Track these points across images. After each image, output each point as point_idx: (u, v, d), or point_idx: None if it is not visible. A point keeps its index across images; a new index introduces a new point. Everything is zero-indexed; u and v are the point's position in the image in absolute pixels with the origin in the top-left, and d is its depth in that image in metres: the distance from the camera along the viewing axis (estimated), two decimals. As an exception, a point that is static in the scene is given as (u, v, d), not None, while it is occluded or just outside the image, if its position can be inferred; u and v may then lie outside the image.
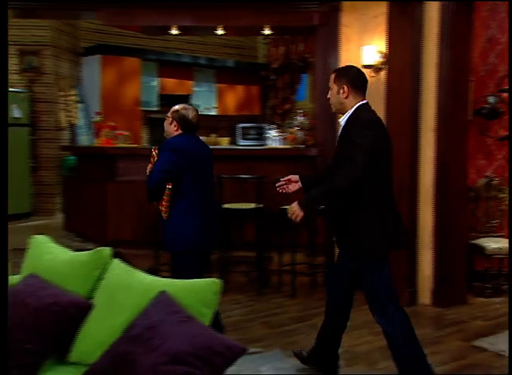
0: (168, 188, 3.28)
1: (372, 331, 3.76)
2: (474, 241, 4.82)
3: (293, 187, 3.07)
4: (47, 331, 2.23)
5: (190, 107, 3.47)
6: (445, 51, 4.36)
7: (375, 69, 4.76)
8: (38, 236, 2.78)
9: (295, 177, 3.07)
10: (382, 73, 4.71)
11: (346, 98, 2.88)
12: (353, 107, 2.88)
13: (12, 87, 7.69)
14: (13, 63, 7.84)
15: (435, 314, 4.33)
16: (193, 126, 3.43)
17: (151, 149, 3.45)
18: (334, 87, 2.91)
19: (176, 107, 3.44)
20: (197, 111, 3.46)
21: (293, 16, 5.33)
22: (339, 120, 3.00)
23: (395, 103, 4.57)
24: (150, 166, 3.37)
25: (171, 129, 3.41)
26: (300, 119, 5.98)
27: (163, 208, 3.31)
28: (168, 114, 3.43)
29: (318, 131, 5.53)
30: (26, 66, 7.85)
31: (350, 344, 3.58)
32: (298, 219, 2.81)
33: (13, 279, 2.59)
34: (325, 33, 5.20)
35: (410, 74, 4.45)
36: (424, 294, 4.52)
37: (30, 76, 7.86)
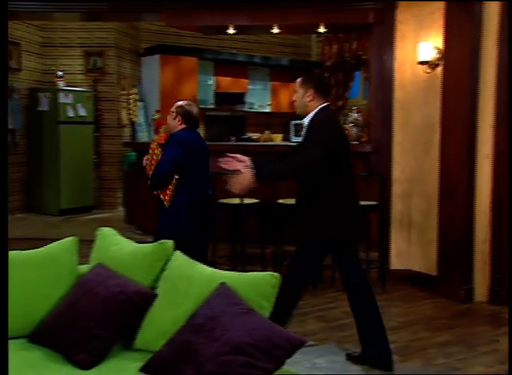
0: (176, 178, 3.52)
1: (429, 327, 3.78)
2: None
3: (239, 166, 3.07)
4: (114, 319, 2.34)
5: (193, 103, 3.72)
6: (505, 47, 4.29)
7: (431, 65, 4.73)
8: (105, 228, 2.87)
9: (243, 158, 3.09)
10: (438, 69, 4.68)
11: (311, 101, 3.16)
12: (315, 109, 3.15)
13: (77, 86, 8.06)
14: (78, 64, 8.21)
15: (492, 312, 4.29)
16: (196, 121, 3.67)
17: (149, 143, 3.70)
18: (300, 91, 3.19)
19: (180, 103, 3.66)
20: (199, 107, 3.74)
21: (349, 14, 5.36)
22: (303, 120, 3.23)
23: (451, 99, 4.53)
24: (147, 157, 3.60)
25: (175, 123, 3.63)
26: (354, 115, 5.99)
27: (167, 197, 3.56)
28: (173, 109, 3.64)
29: (372, 128, 5.54)
30: (91, 66, 8.20)
31: (406, 340, 3.61)
32: (240, 188, 3.02)
33: (82, 268, 2.73)
34: (381, 31, 5.20)
35: (468, 70, 4.40)
36: (481, 292, 4.47)
37: (94, 76, 8.21)
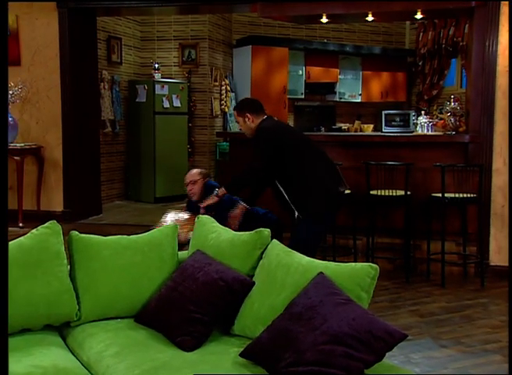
0: None
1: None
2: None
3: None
4: (213, 303, 2.41)
5: None
6: None
7: (540, 50, 4.45)
8: (203, 216, 2.95)
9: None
10: (548, 55, 4.40)
11: (253, 122, 3.80)
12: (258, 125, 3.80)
13: (172, 78, 8.32)
14: (174, 56, 8.46)
15: None
16: None
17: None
18: (240, 120, 3.84)
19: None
20: None
21: (449, -2, 5.14)
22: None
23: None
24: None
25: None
26: (452, 104, 5.74)
27: None
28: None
29: (471, 117, 5.30)
30: (185, 58, 8.43)
31: (509, 339, 3.45)
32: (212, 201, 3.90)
33: (182, 254, 2.84)
34: (483, 14, 4.95)
35: None
36: None
37: (188, 68, 8.43)
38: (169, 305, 2.48)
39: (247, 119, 3.79)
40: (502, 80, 4.87)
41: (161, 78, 8.09)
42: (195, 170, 4.31)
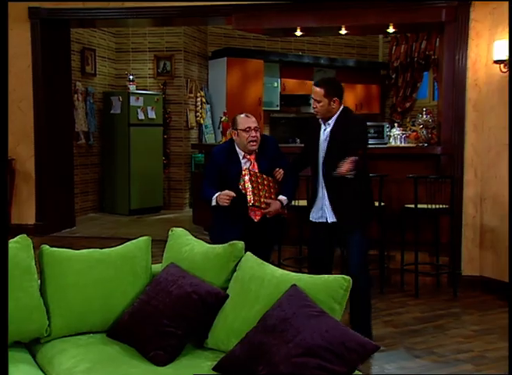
0: None
1: (505, 336, 3.64)
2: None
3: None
4: (187, 317, 2.39)
5: None
6: None
7: (507, 64, 4.55)
8: (177, 229, 2.92)
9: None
10: (516, 69, 4.50)
11: (336, 108, 3.53)
12: (338, 111, 3.55)
13: (147, 90, 8.29)
14: (149, 68, 8.45)
15: None
16: None
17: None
18: (325, 100, 3.49)
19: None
20: None
21: (420, 13, 5.23)
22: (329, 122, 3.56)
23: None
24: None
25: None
26: (424, 117, 5.84)
27: None
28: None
29: (442, 129, 5.39)
30: (160, 70, 8.42)
31: (481, 349, 3.49)
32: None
33: (155, 268, 2.81)
34: (453, 29, 5.06)
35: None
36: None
37: (163, 80, 8.42)
38: (142, 319, 2.46)
39: (332, 103, 3.50)
40: (472, 94, 4.96)
41: (136, 90, 8.06)
42: (250, 115, 3.68)
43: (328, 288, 2.23)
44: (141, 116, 8.00)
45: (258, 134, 3.56)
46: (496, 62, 4.60)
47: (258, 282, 2.39)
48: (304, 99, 9.81)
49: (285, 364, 1.96)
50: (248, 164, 3.59)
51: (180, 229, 2.95)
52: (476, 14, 4.88)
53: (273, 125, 9.67)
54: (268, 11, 5.56)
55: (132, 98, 7.91)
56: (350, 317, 3.49)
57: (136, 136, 8.01)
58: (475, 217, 4.97)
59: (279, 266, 4.40)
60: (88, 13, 6.09)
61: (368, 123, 8.69)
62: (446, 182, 4.80)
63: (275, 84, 9.49)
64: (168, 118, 8.45)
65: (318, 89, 3.50)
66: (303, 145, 3.96)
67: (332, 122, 3.54)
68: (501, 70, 4.62)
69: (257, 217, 3.56)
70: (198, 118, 8.75)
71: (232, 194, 3.45)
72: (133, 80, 8.02)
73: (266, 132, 9.52)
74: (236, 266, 2.57)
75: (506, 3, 4.57)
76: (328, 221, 3.55)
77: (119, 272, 2.65)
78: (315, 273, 3.34)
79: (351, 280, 2.22)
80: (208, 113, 8.95)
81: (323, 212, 3.56)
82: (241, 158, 3.61)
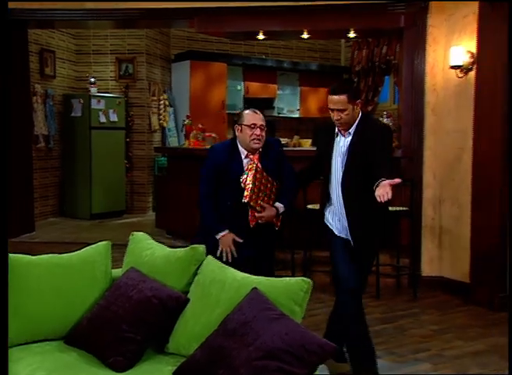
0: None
1: (462, 335, 3.73)
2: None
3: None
4: (147, 322, 2.37)
5: None
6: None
7: (464, 69, 4.67)
8: (138, 233, 2.90)
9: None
10: (471, 74, 4.62)
11: (358, 111, 3.09)
12: (358, 116, 3.10)
13: (109, 92, 8.19)
14: (111, 70, 8.35)
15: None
16: None
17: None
18: (349, 107, 3.03)
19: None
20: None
21: (380, 19, 5.33)
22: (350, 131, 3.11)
23: (485, 104, 4.47)
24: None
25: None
26: (385, 120, 5.94)
27: None
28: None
29: (402, 132, 5.49)
30: (122, 72, 8.33)
31: (439, 348, 3.56)
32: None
33: (115, 272, 2.77)
34: (412, 35, 5.16)
35: (503, 75, 4.33)
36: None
37: (125, 83, 8.33)
38: (101, 325, 2.42)
39: (356, 107, 3.05)
40: (430, 97, 5.07)
41: (98, 92, 7.95)
42: (259, 112, 3.38)
43: (289, 291, 2.24)
44: (103, 119, 7.90)
45: (264, 134, 3.27)
46: (453, 67, 4.71)
47: (219, 286, 2.38)
48: (268, 102, 9.87)
49: (245, 367, 1.96)
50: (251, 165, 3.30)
51: (141, 233, 2.92)
52: (433, 20, 4.99)
53: (237, 128, 9.68)
54: (230, 14, 5.57)
55: (93, 101, 7.80)
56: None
57: (97, 139, 7.90)
58: (434, 219, 5.07)
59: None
60: (46, 14, 5.98)
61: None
62: (406, 185, 4.88)
63: (239, 87, 9.51)
64: (131, 121, 8.37)
65: (339, 97, 3.03)
66: (315, 154, 3.48)
67: (352, 131, 3.10)
68: (457, 76, 4.73)
69: (252, 222, 3.28)
70: (161, 121, 8.69)
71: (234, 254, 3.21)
72: (94, 83, 7.91)
73: (230, 135, 9.51)
74: (198, 269, 2.55)
75: (461, 10, 4.70)
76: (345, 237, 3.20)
77: (77, 277, 2.61)
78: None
79: (311, 282, 2.24)
80: (172, 116, 8.90)
81: (346, 231, 3.18)
82: (243, 157, 3.30)
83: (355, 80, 9.83)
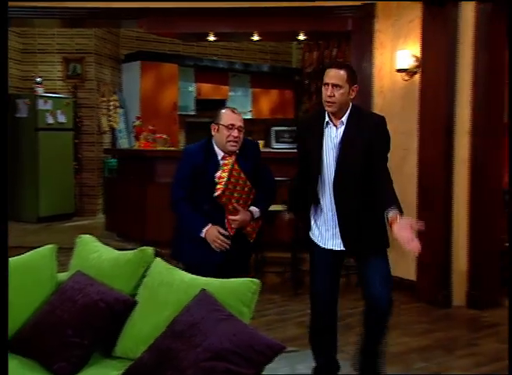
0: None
1: (409, 332, 3.81)
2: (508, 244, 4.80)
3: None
4: (93, 326, 2.34)
5: None
6: (480, 53, 4.39)
7: (409, 73, 4.80)
8: (85, 235, 2.85)
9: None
10: (416, 77, 4.75)
11: (353, 97, 2.80)
12: (349, 105, 2.81)
13: (56, 93, 8.00)
14: (58, 70, 8.16)
15: (470, 316, 4.35)
16: None
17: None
18: (345, 89, 2.73)
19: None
20: None
21: (328, 22, 5.41)
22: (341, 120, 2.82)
23: (429, 106, 4.61)
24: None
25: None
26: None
27: None
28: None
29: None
30: (71, 73, 8.16)
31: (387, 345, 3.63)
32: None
33: (62, 276, 2.71)
34: (359, 39, 5.27)
35: (445, 77, 4.48)
36: (459, 296, 4.53)
37: (73, 83, 8.16)
38: (46, 330, 2.37)
39: (352, 91, 2.75)
40: (378, 100, 5.18)
41: (45, 93, 7.76)
42: (237, 112, 3.21)
43: (237, 292, 2.25)
44: (50, 120, 7.72)
45: (241, 136, 3.09)
46: (399, 70, 4.83)
47: (167, 287, 2.37)
48: (220, 104, 9.84)
49: (193, 369, 1.96)
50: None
51: (88, 236, 2.88)
52: (380, 25, 5.10)
53: (189, 129, 9.63)
54: (179, 15, 5.53)
55: (40, 102, 7.61)
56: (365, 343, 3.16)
57: (44, 140, 7.71)
58: (382, 218, 5.17)
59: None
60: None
61: (283, 128, 8.89)
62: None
63: (190, 89, 9.47)
64: (80, 122, 8.21)
65: (338, 71, 2.72)
66: (298, 157, 3.06)
67: (345, 119, 2.80)
68: (403, 78, 4.86)
69: (232, 231, 3.12)
70: (111, 122, 8.55)
71: (227, 241, 3.06)
72: (40, 83, 7.71)
73: (182, 137, 9.47)
74: (146, 271, 2.53)
75: (407, 15, 4.82)
76: (338, 248, 2.92)
77: (21, 282, 2.53)
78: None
79: (259, 283, 2.25)
80: (122, 117, 8.77)
81: (336, 238, 2.90)
82: (219, 158, 3.14)
83: (306, 82, 9.96)
